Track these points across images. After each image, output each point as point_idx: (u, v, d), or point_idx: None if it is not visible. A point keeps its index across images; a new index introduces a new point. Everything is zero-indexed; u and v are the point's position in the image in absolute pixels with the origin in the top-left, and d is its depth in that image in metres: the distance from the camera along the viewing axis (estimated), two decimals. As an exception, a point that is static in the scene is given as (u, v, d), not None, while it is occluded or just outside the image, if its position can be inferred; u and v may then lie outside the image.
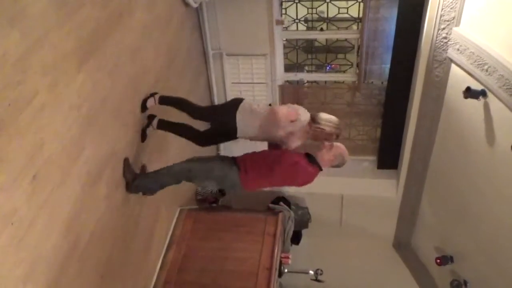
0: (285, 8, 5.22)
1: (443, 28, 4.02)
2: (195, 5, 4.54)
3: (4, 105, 1.99)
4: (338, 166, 3.28)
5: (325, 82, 5.67)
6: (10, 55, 2.02)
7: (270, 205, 5.22)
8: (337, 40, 5.42)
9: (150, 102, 3.50)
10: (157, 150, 3.93)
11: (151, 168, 3.62)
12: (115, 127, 3.11)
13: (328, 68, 5.74)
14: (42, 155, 2.28)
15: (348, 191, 5.65)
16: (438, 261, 4.64)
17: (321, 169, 3.17)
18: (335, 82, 5.62)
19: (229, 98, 5.45)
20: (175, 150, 4.30)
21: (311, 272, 4.72)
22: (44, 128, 2.28)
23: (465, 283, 4.37)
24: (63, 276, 2.54)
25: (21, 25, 2.09)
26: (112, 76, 2.99)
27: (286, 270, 4.57)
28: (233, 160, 3.24)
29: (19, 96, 2.08)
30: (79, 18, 2.57)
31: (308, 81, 5.68)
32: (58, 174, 2.43)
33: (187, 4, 4.43)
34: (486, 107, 3.59)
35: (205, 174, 3.21)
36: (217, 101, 5.49)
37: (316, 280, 4.69)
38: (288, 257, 4.58)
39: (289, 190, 5.68)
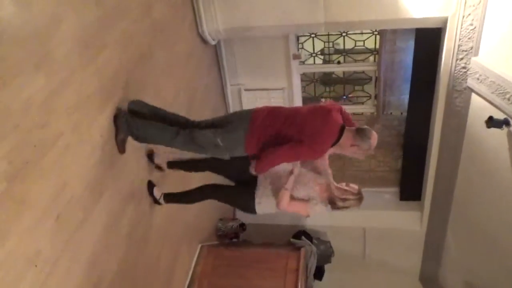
0: (302, 43, 5.28)
1: (462, 58, 4.01)
2: (213, 43, 4.63)
3: (30, 147, 2.02)
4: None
5: (344, 114, 5.65)
6: (35, 98, 2.07)
7: (292, 239, 5.14)
8: (355, 72, 5.44)
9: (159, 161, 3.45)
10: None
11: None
12: (137, 164, 3.13)
13: (344, 98, 5.75)
14: (66, 196, 2.30)
15: (371, 223, 5.55)
16: (468, 296, 4.48)
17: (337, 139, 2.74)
18: (353, 113, 5.61)
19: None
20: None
21: (336, 309, 4.60)
22: (67, 168, 2.30)
23: (497, 319, 4.20)
24: (85, 317, 2.52)
25: (46, 68, 2.15)
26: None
27: (310, 307, 4.46)
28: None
29: (44, 137, 2.12)
30: (101, 59, 2.63)
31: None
32: (81, 214, 2.44)
33: (205, 42, 4.51)
34: (510, 136, 3.52)
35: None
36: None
37: (341, 317, 4.56)
38: (311, 294, 4.47)
39: (311, 224, 5.60)
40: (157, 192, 3.39)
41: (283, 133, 2.77)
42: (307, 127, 2.73)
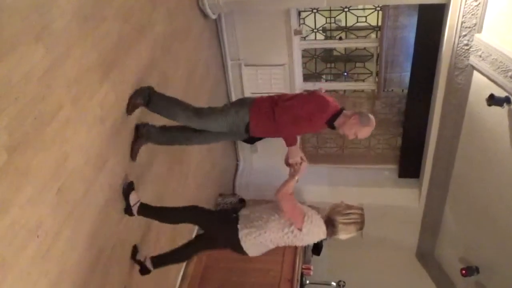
0: (303, 18, 5.22)
1: (465, 35, 3.97)
2: (213, 17, 4.58)
3: (30, 119, 2.02)
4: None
5: (344, 91, 5.64)
6: (35, 70, 2.06)
7: (291, 215, 5.17)
8: (356, 49, 5.40)
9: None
10: (178, 162, 3.96)
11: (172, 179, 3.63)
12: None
13: (345, 74, 5.72)
14: (66, 168, 2.31)
15: (369, 200, 5.57)
16: (464, 272, 4.54)
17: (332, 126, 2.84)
18: (354, 91, 5.59)
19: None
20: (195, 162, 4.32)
21: (334, 283, 4.67)
22: (68, 141, 2.31)
23: (492, 294, 4.28)
24: (88, 287, 2.56)
25: (46, 40, 2.13)
26: (134, 88, 3.02)
27: (308, 282, 4.53)
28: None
29: (44, 110, 2.12)
30: (101, 31, 2.61)
31: (326, 91, 5.65)
32: (82, 186, 2.46)
33: (206, 16, 4.46)
34: (511, 114, 3.52)
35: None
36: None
37: (339, 292, 4.64)
38: (309, 268, 4.54)
39: (310, 201, 5.63)
40: (134, 197, 2.97)
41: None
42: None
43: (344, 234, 2.81)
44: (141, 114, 3.12)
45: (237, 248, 2.85)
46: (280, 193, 2.71)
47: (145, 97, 2.96)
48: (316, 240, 2.85)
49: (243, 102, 2.99)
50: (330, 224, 2.80)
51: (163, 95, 3.08)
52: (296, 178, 2.81)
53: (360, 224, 2.84)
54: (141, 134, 3.04)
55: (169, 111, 3.00)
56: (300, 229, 2.75)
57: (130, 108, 2.93)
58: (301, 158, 2.86)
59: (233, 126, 2.92)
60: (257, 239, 2.78)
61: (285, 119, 2.81)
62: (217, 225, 2.97)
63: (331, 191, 5.62)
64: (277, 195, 2.71)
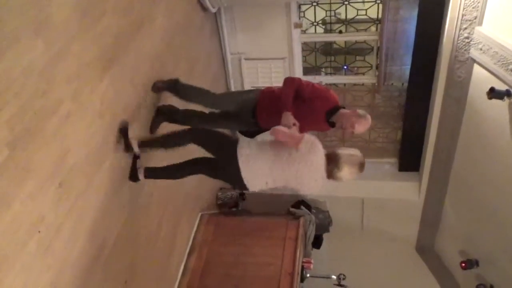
0: (303, 11, 5.20)
1: (465, 28, 3.96)
2: (213, 10, 4.56)
3: (30, 114, 2.02)
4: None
5: (344, 84, 5.63)
6: (35, 65, 2.05)
7: (291, 209, 5.19)
8: (356, 42, 5.38)
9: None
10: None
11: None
12: (138, 132, 3.13)
13: (345, 68, 5.70)
14: (67, 163, 2.31)
15: (369, 194, 5.59)
16: (463, 265, 4.55)
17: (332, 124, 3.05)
18: (354, 84, 5.58)
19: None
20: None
21: (334, 277, 4.68)
22: (69, 136, 2.31)
23: (492, 287, 4.28)
24: (89, 282, 2.57)
25: (46, 35, 2.12)
26: (134, 83, 3.02)
27: (308, 275, 4.54)
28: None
29: (44, 105, 2.11)
30: (101, 26, 2.60)
31: (327, 84, 5.65)
32: (83, 181, 2.46)
33: (205, 9, 4.44)
34: (511, 107, 3.51)
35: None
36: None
37: (339, 285, 4.65)
38: (310, 262, 4.54)
39: (310, 193, 5.64)
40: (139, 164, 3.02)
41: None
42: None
43: (347, 168, 2.70)
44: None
45: (235, 175, 2.77)
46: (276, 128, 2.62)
47: (170, 84, 3.30)
48: (314, 178, 2.81)
49: (255, 89, 3.35)
50: (333, 159, 2.71)
51: (187, 84, 3.38)
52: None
53: (362, 164, 2.75)
54: (162, 112, 3.33)
55: (191, 96, 3.31)
56: (297, 149, 2.68)
57: (155, 89, 3.29)
58: (294, 124, 2.77)
59: (243, 105, 3.17)
60: (255, 164, 2.75)
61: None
62: (220, 151, 2.92)
63: (330, 184, 5.61)
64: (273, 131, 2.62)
